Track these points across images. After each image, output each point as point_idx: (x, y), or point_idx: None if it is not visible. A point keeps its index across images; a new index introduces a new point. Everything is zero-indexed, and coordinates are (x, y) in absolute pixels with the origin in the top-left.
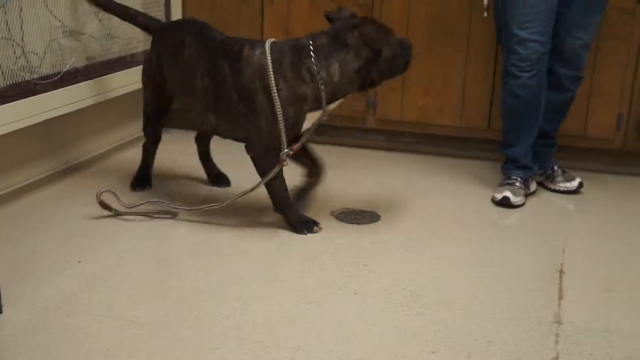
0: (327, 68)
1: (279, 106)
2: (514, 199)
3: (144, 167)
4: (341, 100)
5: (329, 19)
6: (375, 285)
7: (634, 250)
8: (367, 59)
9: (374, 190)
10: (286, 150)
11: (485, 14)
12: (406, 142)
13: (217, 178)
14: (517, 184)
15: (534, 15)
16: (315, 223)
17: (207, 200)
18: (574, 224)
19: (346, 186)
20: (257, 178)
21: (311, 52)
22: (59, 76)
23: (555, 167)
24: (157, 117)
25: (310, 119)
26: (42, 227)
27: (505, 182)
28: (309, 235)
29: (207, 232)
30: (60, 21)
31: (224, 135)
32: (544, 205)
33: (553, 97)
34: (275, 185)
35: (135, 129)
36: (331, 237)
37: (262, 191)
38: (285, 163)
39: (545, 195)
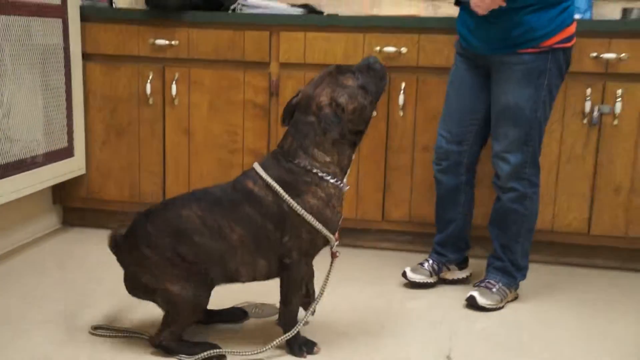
0: (312, 156)
1: (312, 218)
2: (411, 275)
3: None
4: (350, 167)
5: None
6: None
7: (517, 335)
8: (337, 121)
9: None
10: (336, 242)
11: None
12: None
13: (231, 313)
14: (426, 265)
15: (449, 114)
16: (314, 344)
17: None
18: (463, 310)
19: None
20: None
21: (289, 152)
22: None
23: (485, 282)
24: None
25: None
26: None
27: (418, 263)
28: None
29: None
30: None
31: (274, 276)
32: (442, 293)
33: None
34: (295, 299)
35: (35, 229)
36: (234, 329)
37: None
38: (338, 254)
39: (447, 284)
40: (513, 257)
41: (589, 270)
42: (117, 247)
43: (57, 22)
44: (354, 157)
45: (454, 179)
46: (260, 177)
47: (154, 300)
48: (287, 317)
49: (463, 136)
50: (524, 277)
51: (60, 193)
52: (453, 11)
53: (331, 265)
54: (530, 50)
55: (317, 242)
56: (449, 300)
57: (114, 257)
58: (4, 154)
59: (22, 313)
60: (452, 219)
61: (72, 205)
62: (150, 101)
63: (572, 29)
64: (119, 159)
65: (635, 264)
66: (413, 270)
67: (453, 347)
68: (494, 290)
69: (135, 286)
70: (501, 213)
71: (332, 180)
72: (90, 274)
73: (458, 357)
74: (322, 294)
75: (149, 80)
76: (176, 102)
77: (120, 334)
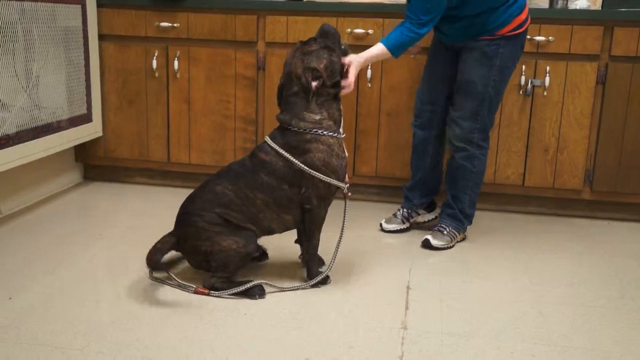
0: (305, 119)
1: (320, 171)
2: (386, 226)
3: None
4: (342, 117)
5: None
6: (261, 307)
7: (463, 268)
8: (306, 84)
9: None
10: (347, 185)
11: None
12: None
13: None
14: (398, 214)
15: (425, 80)
16: (328, 277)
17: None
18: (421, 249)
19: None
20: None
21: (288, 123)
22: None
23: (438, 227)
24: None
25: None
26: None
27: (392, 214)
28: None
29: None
30: None
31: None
32: (407, 237)
33: (448, 160)
34: (317, 236)
35: (61, 183)
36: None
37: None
38: (349, 194)
39: (417, 227)
40: (462, 206)
41: (523, 215)
42: (176, 241)
43: (77, 8)
44: (341, 107)
45: (426, 133)
46: (271, 147)
47: (211, 266)
48: (311, 251)
49: (435, 99)
50: (470, 223)
51: (81, 152)
52: None
53: (345, 204)
54: (486, 37)
55: (331, 188)
56: (411, 242)
57: (125, 208)
58: (34, 119)
59: (50, 252)
60: (421, 167)
61: (91, 163)
62: (156, 75)
63: (522, 17)
64: (130, 123)
65: (560, 210)
66: (387, 221)
67: (412, 279)
68: (445, 233)
69: (198, 259)
70: (453, 168)
71: (328, 133)
72: (106, 220)
73: (415, 286)
74: (342, 232)
75: (154, 57)
76: (178, 75)
77: (170, 282)
